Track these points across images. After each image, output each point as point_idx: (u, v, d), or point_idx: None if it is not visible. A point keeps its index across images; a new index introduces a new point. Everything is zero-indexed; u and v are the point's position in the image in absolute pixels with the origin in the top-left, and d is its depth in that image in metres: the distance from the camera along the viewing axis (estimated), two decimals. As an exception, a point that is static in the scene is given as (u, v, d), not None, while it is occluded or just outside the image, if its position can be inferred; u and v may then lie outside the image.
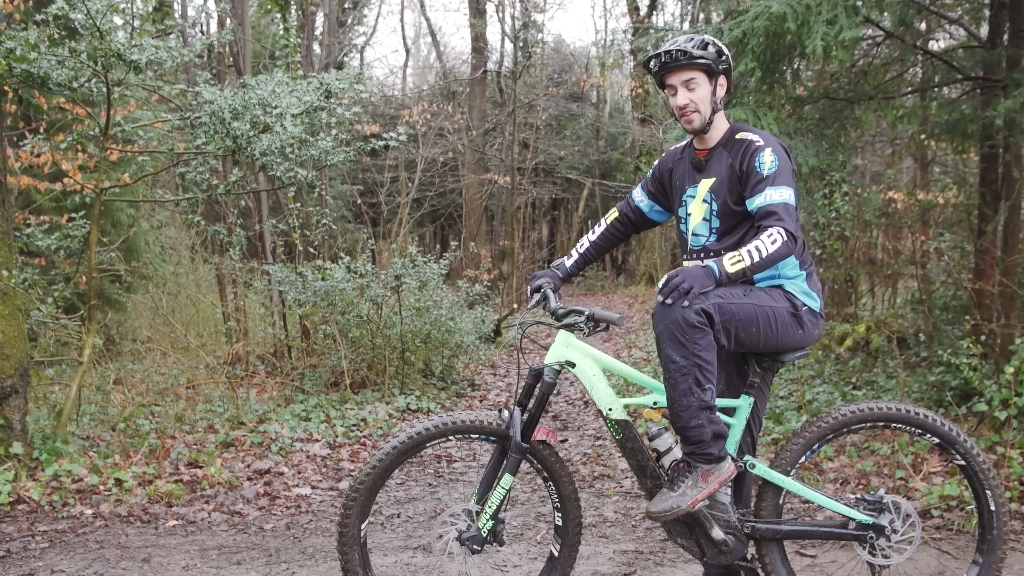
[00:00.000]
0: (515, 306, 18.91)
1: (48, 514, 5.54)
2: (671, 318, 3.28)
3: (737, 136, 3.55)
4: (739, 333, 3.39)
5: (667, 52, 3.51)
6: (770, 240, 3.25)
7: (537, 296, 3.83)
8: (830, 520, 3.76)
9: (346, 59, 24.95)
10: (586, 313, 3.46)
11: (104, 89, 6.83)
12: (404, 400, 8.96)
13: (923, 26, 8.22)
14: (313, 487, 6.27)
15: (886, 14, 6.96)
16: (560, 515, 3.65)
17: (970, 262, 7.70)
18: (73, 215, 8.04)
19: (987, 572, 3.62)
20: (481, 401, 9.94)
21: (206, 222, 10.30)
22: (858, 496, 3.64)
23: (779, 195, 3.34)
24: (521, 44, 24.64)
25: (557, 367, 3.51)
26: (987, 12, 7.16)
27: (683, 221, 3.70)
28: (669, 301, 3.24)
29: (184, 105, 8.88)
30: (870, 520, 3.56)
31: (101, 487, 5.96)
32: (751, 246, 3.25)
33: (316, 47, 19.57)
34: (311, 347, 10.37)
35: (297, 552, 4.92)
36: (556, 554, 3.65)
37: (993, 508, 3.59)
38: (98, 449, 6.62)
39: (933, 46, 8.73)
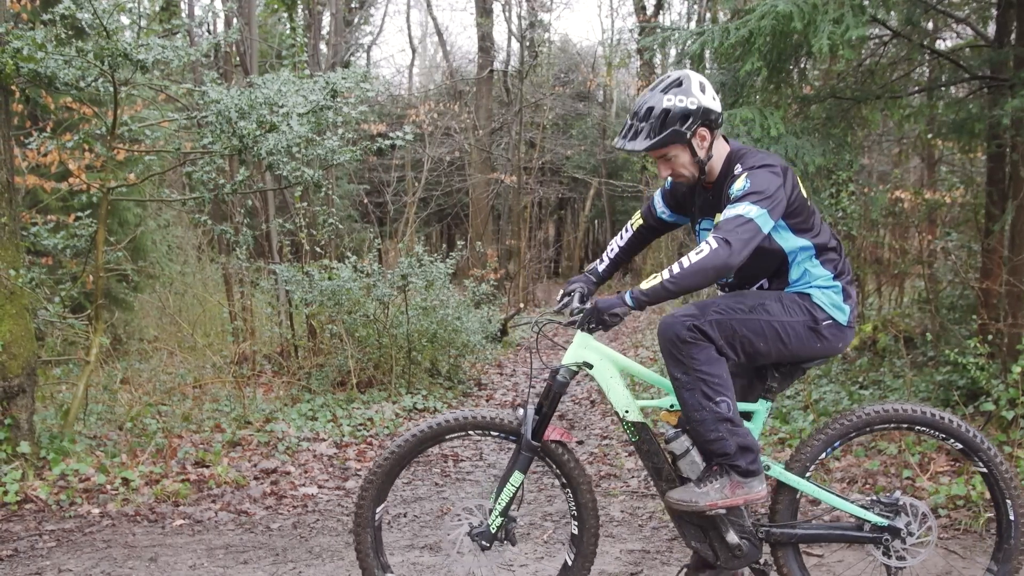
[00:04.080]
0: (521, 305, 18.90)
1: (55, 513, 5.56)
2: (665, 337, 3.34)
3: (734, 170, 3.43)
4: (746, 348, 3.39)
5: (624, 150, 3.47)
6: (696, 252, 3.19)
7: (566, 299, 3.80)
8: (845, 522, 3.74)
9: (352, 58, 24.96)
10: (588, 307, 3.43)
11: (111, 88, 6.85)
12: (411, 399, 8.96)
13: (930, 25, 8.19)
14: (320, 486, 6.28)
15: (893, 13, 6.94)
16: (576, 523, 3.63)
17: (977, 261, 7.68)
18: (80, 214, 8.05)
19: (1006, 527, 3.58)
20: (487, 400, 9.94)
21: (213, 221, 10.31)
22: (873, 498, 3.62)
23: (733, 211, 3.23)
24: (528, 43, 24.64)
25: (574, 367, 3.52)
26: (994, 11, 7.14)
27: None
28: (583, 330, 3.39)
29: (191, 104, 8.88)
30: (885, 522, 3.54)
31: (108, 486, 5.98)
32: (677, 261, 3.21)
33: (323, 46, 19.59)
34: (318, 346, 10.38)
35: (304, 551, 4.93)
36: (570, 562, 3.64)
37: (1012, 518, 3.54)
38: (105, 448, 6.64)
39: (940, 45, 8.70)
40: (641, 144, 3.39)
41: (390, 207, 21.74)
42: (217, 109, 7.16)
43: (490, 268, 13.09)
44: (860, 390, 7.97)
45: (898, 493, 3.62)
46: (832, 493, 3.62)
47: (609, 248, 4.05)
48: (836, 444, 3.59)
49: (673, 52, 9.34)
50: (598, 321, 3.33)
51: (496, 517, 3.48)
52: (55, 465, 6.06)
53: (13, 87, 6.44)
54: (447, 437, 3.55)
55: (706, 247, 3.16)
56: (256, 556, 4.86)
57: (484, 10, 25.07)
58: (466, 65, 30.45)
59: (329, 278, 9.52)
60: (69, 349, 9.33)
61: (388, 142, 8.79)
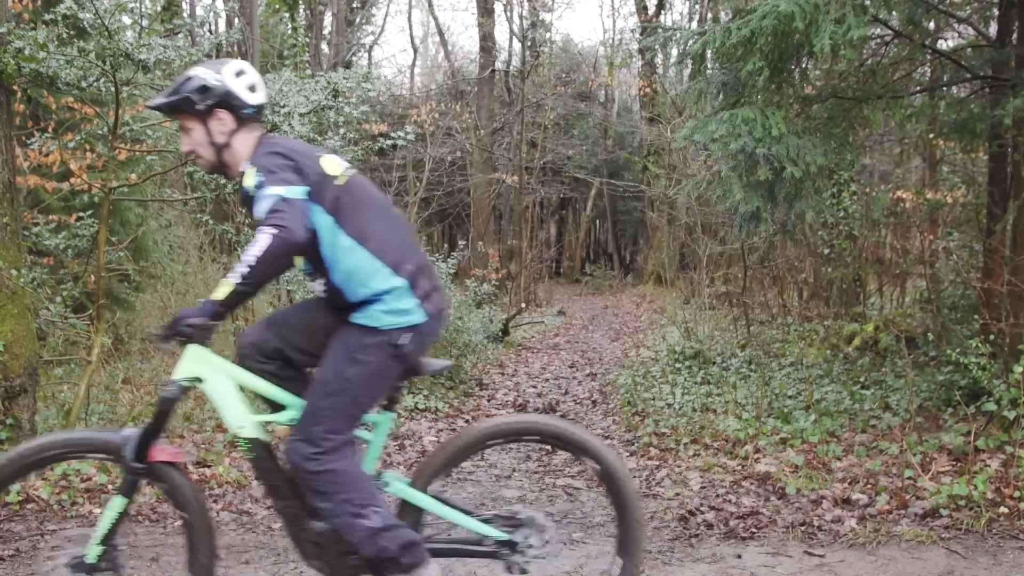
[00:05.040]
0: (523, 305, 18.91)
1: (57, 513, 5.55)
2: (298, 477, 3.28)
3: (242, 167, 3.28)
4: (366, 410, 3.37)
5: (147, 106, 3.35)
6: (255, 245, 2.97)
7: None
8: (467, 537, 3.58)
9: (354, 58, 25.00)
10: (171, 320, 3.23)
11: (112, 88, 6.85)
12: (412, 399, 8.95)
13: (932, 25, 8.20)
14: (321, 486, 6.27)
15: (894, 13, 6.94)
16: (189, 541, 3.48)
17: (979, 261, 7.68)
18: (81, 214, 8.05)
19: (627, 521, 3.55)
20: (489, 401, 9.94)
21: (214, 221, 10.32)
22: (494, 512, 3.56)
23: (264, 203, 3.03)
24: (529, 43, 24.65)
25: (185, 383, 3.34)
26: (996, 11, 7.14)
27: None
28: (170, 342, 3.18)
29: (192, 104, 8.87)
30: (506, 536, 3.45)
31: (110, 486, 5.97)
32: (240, 262, 3.02)
33: (324, 46, 19.63)
34: (319, 346, 10.36)
35: (305, 551, 4.92)
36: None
37: (631, 524, 3.55)
38: (107, 448, 6.62)
39: (942, 45, 8.71)
40: (156, 100, 3.30)
41: (392, 207, 21.69)
42: (219, 109, 7.15)
43: (491, 268, 13.08)
44: (862, 390, 7.98)
45: (519, 506, 3.58)
46: (453, 508, 3.48)
47: None
48: (460, 460, 3.57)
49: (675, 52, 9.34)
50: (176, 334, 3.14)
51: (95, 546, 3.26)
52: (56, 465, 6.05)
53: (15, 87, 6.44)
54: (33, 464, 3.34)
55: (262, 238, 2.96)
56: (258, 556, 4.86)
57: (486, 10, 25.10)
58: (467, 65, 30.52)
59: (330, 278, 9.51)
60: (71, 349, 9.33)
61: (390, 142, 8.79)
